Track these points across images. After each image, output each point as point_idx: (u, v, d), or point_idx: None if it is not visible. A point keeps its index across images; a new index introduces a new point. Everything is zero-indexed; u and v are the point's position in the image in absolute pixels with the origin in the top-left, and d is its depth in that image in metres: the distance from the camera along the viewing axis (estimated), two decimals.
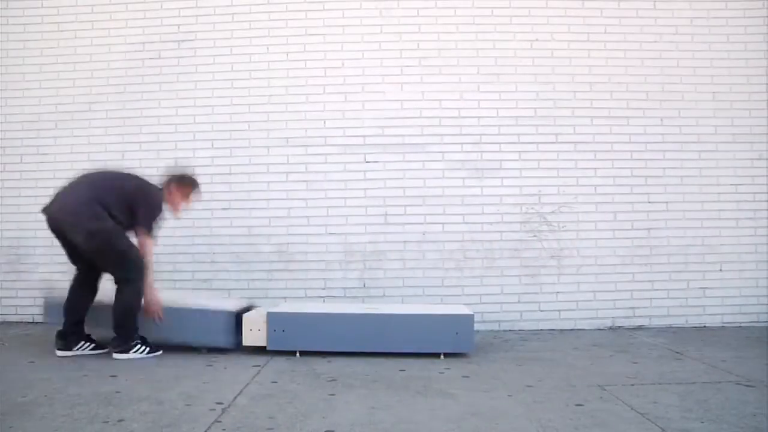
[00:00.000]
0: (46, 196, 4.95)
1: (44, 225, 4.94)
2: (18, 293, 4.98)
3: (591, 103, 4.87)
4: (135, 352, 3.63)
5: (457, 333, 3.68)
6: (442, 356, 3.66)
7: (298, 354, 3.71)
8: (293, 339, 3.73)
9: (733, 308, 4.80)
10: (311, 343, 3.73)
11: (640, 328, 4.71)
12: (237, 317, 3.85)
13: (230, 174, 4.91)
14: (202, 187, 4.88)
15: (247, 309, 4.02)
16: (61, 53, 5.05)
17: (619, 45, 4.89)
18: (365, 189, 4.84)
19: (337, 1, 4.93)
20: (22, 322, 4.92)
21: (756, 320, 4.78)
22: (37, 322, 4.90)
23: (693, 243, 4.83)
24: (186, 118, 4.95)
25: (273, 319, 3.73)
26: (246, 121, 4.92)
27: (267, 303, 4.53)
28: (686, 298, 4.76)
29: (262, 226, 4.88)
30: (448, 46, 4.89)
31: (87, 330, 3.76)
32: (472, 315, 3.74)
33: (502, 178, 4.81)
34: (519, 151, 4.84)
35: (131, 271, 3.59)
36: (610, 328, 4.72)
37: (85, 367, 3.41)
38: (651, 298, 4.75)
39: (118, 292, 3.62)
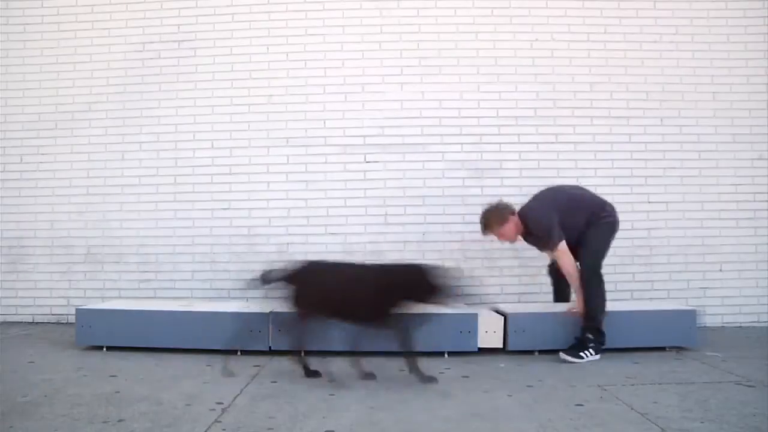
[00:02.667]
0: (46, 196, 5.00)
1: (44, 225, 4.99)
2: (18, 293, 4.98)
3: (591, 103, 4.87)
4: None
5: (460, 332, 3.70)
6: (446, 355, 3.67)
7: (303, 353, 3.72)
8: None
9: (733, 308, 4.79)
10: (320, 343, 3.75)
11: None
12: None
13: (230, 174, 4.91)
14: (202, 187, 4.92)
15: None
16: (61, 53, 5.05)
17: (619, 45, 4.89)
18: (365, 189, 4.84)
19: (337, 1, 4.93)
20: (22, 322, 4.92)
21: (756, 320, 4.78)
22: (37, 322, 4.90)
23: (693, 243, 4.83)
24: (186, 118, 4.95)
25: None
26: (246, 121, 4.92)
27: (268, 303, 4.52)
28: (686, 298, 4.76)
29: (262, 226, 4.88)
30: (448, 46, 4.89)
31: None
32: (476, 314, 3.75)
33: (502, 178, 4.81)
34: (519, 151, 4.84)
35: None
36: None
37: (85, 367, 3.41)
38: (651, 298, 4.75)
39: None
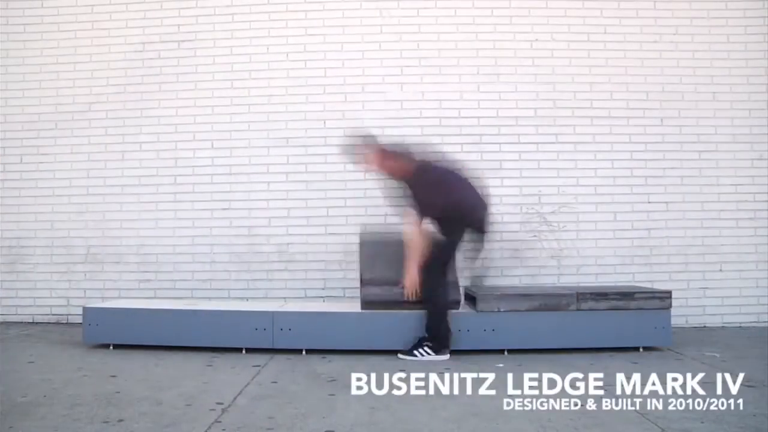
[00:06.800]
0: (46, 196, 5.00)
1: (44, 225, 4.99)
2: (18, 293, 4.98)
3: (591, 103, 4.86)
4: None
5: (458, 330, 3.73)
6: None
7: (304, 352, 3.73)
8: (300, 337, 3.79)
9: (733, 308, 4.79)
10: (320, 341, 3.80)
11: None
12: None
13: (230, 174, 4.91)
14: (202, 187, 4.91)
15: None
16: (61, 53, 5.05)
17: (619, 45, 4.89)
18: (365, 189, 4.84)
19: (337, 1, 4.93)
20: (22, 322, 4.92)
21: (756, 320, 4.78)
22: (37, 322, 4.90)
23: (693, 243, 4.83)
24: (186, 119, 4.94)
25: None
26: (246, 122, 4.92)
27: (268, 303, 4.53)
28: (686, 298, 4.76)
29: (262, 226, 4.88)
30: (448, 46, 4.89)
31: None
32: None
33: (502, 178, 4.81)
34: (519, 152, 4.84)
35: None
36: None
37: (85, 367, 3.41)
38: None
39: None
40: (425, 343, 3.59)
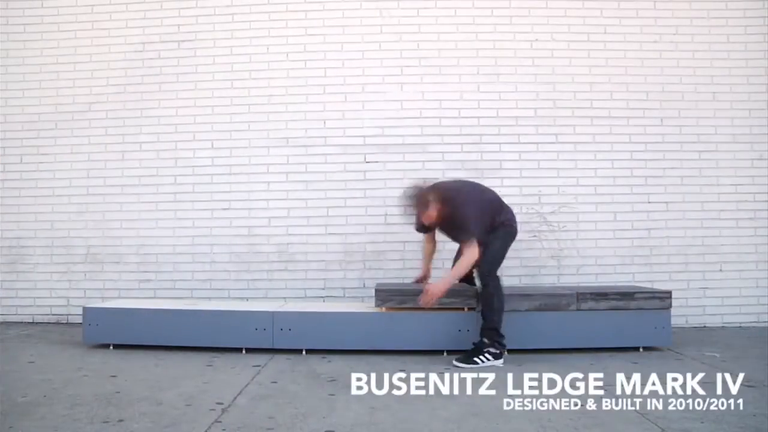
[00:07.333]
0: (46, 196, 5.00)
1: (44, 225, 4.99)
2: (18, 293, 4.98)
3: (591, 104, 4.87)
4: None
5: (458, 330, 3.74)
6: (445, 353, 3.68)
7: (304, 352, 3.74)
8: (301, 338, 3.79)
9: (733, 308, 4.79)
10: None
11: None
12: None
13: (230, 174, 4.91)
14: (202, 187, 4.92)
15: None
16: (61, 53, 5.05)
17: (619, 45, 4.89)
18: (365, 189, 4.84)
19: (337, 1, 4.93)
20: (22, 322, 4.92)
21: (756, 320, 4.78)
22: (37, 323, 4.90)
23: (693, 243, 4.83)
24: (186, 119, 4.94)
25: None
26: (246, 122, 4.92)
27: (268, 303, 4.53)
28: (686, 298, 4.76)
29: (262, 226, 4.88)
30: (448, 46, 4.89)
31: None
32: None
33: (502, 178, 4.81)
34: (519, 152, 4.84)
35: None
36: None
37: (85, 367, 3.41)
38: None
39: None
40: (487, 349, 3.50)
